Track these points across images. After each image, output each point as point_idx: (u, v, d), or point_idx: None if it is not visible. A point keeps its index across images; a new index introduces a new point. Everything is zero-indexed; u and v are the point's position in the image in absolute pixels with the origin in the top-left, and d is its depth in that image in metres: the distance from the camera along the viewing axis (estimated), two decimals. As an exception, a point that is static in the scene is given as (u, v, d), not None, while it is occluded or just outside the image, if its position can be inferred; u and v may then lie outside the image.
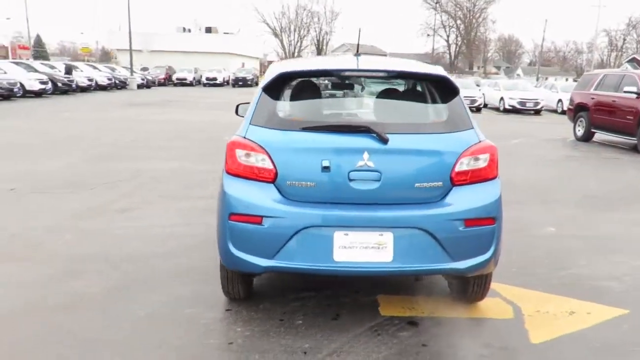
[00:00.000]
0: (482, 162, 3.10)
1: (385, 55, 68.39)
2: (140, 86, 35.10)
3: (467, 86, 25.06)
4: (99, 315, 3.26)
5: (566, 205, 6.52)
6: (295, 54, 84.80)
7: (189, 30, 58.68)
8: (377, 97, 3.40)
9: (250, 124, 3.13)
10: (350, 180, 2.96)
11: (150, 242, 4.54)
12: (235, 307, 3.41)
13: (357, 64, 3.29)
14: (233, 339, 3.03)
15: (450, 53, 76.89)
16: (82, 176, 7.27)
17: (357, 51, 3.64)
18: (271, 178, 3.00)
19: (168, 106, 21.08)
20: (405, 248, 2.96)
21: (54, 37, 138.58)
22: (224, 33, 60.98)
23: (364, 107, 3.44)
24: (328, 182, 2.97)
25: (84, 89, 28.70)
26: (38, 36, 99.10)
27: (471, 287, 3.42)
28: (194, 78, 44.12)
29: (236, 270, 3.13)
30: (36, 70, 26.00)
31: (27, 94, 23.70)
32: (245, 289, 3.41)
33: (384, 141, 2.97)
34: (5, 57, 53.12)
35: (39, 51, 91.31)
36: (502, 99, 24.10)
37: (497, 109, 24.41)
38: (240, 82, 43.96)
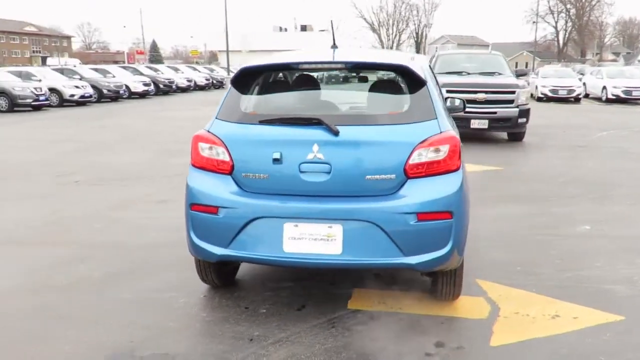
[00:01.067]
0: (441, 153, 2.98)
1: (487, 46, 65.48)
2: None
3: (564, 75, 23.42)
4: (87, 296, 3.57)
5: (620, 202, 5.97)
6: (393, 48, 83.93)
7: (285, 30, 60.28)
8: (339, 89, 3.38)
9: (216, 118, 3.26)
10: (301, 172, 2.99)
11: (168, 232, 4.83)
12: (211, 294, 3.57)
13: (321, 57, 3.30)
14: (192, 323, 3.19)
15: (558, 40, 71.87)
16: (144, 170, 7.88)
17: (334, 43, 3.64)
18: (228, 170, 3.11)
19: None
20: (354, 241, 2.93)
21: (168, 41, 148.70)
22: (320, 30, 61.95)
23: (323, 99, 3.43)
24: (280, 174, 3.02)
25: (183, 89, 30.62)
26: (154, 41, 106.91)
27: (440, 284, 3.30)
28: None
29: (198, 257, 3.28)
30: (141, 74, 28.20)
31: (133, 95, 25.78)
32: (220, 277, 3.55)
33: (335, 133, 2.97)
34: (120, 62, 57.71)
35: (154, 55, 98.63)
36: (604, 87, 22.21)
37: (599, 99, 22.56)
38: (333, 78, 44.43)
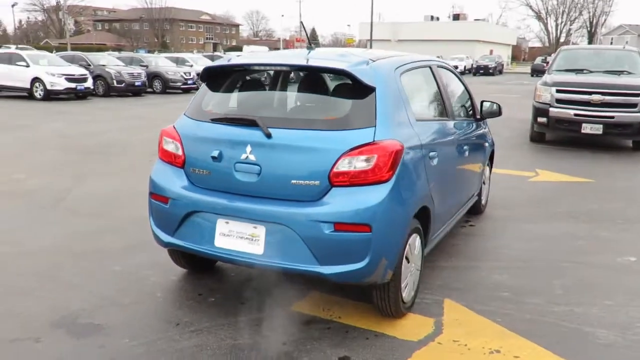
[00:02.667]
0: (368, 164, 2.87)
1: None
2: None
3: None
4: (87, 264, 4.04)
5: None
6: (562, 38, 77.14)
7: (437, 19, 58.61)
8: (290, 91, 3.37)
9: (184, 114, 3.48)
10: (236, 171, 3.09)
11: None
12: (181, 278, 3.83)
13: (271, 59, 3.33)
14: (143, 301, 3.48)
15: None
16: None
17: (309, 43, 3.62)
18: (181, 164, 3.32)
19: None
20: (275, 244, 2.97)
21: (329, 29, 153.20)
22: (475, 20, 59.18)
23: (270, 100, 3.41)
24: (218, 172, 3.16)
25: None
26: (313, 29, 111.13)
27: (374, 298, 3.17)
28: (435, 66, 44.13)
29: (156, 242, 3.54)
30: None
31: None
32: (190, 262, 3.77)
33: (267, 135, 3.01)
34: (276, 49, 61.04)
35: (313, 43, 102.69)
36: None
37: None
38: (482, 71, 42.38)
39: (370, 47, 37.86)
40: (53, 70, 17.91)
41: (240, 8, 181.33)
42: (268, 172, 3.02)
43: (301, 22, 3.65)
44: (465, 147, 4.27)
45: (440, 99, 4.00)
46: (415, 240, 3.30)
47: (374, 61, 3.27)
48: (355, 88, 3.08)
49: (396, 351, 2.93)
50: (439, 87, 3.99)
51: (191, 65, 24.57)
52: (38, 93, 17.77)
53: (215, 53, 33.20)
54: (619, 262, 4.28)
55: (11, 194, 6.05)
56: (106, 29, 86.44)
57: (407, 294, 3.26)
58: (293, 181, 2.96)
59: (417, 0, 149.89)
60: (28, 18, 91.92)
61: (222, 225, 3.11)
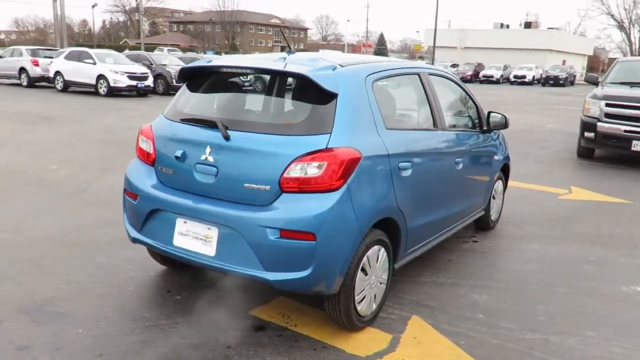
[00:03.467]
0: (318, 170, 2.80)
1: None
2: (439, 82, 36.12)
3: None
4: (77, 255, 4.19)
5: None
6: (646, 50, 72.74)
7: (507, 26, 56.68)
8: (255, 94, 3.35)
9: (162, 113, 3.55)
10: (196, 172, 3.11)
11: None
12: (159, 273, 3.90)
13: (240, 62, 3.33)
14: (112, 293, 3.57)
15: None
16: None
17: (289, 47, 3.59)
18: (152, 162, 3.38)
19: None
20: (226, 246, 2.97)
21: (398, 35, 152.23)
22: (548, 28, 56.75)
23: (237, 103, 3.38)
24: (180, 171, 3.19)
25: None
26: (381, 35, 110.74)
27: (326, 308, 3.09)
28: (502, 75, 42.83)
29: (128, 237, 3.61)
30: None
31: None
32: (162, 259, 3.82)
33: (225, 138, 3.01)
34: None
35: (380, 49, 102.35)
36: None
37: None
38: (551, 81, 40.65)
39: (433, 54, 37.23)
40: (117, 68, 18.84)
41: (311, 12, 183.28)
42: (224, 174, 3.02)
43: (281, 30, 3.60)
44: (461, 159, 4.09)
45: (428, 108, 3.85)
46: (378, 253, 3.19)
47: (343, 67, 3.19)
48: (317, 93, 3.02)
49: (330, 365, 2.85)
50: (427, 96, 3.84)
51: None
52: (102, 89, 18.74)
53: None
54: (623, 291, 3.96)
55: (40, 183, 6.40)
56: (181, 30, 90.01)
57: (364, 307, 3.16)
58: (246, 184, 2.94)
59: (490, 8, 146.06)
60: (111, 19, 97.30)
61: (181, 225, 3.14)
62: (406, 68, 3.83)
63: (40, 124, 11.46)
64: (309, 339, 3.09)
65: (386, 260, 3.31)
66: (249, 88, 3.36)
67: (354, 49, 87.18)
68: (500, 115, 4.71)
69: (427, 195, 3.66)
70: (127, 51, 27.79)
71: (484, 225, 5.20)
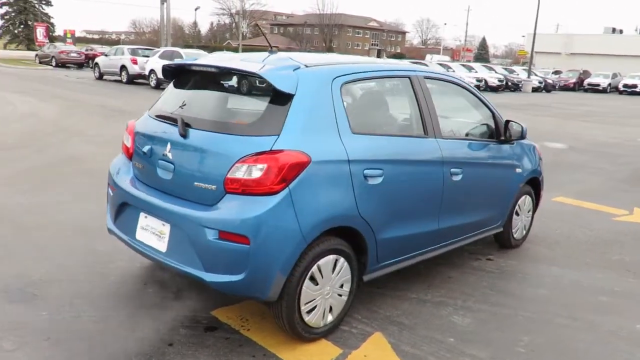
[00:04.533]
0: (259, 172, 2.74)
1: None
2: (536, 89, 34.21)
3: None
4: (79, 241, 4.42)
5: None
6: None
7: (620, 32, 52.14)
8: (218, 92, 3.31)
9: (147, 110, 3.65)
10: (158, 167, 3.17)
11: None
12: (145, 266, 4.00)
13: (211, 60, 3.31)
14: (92, 281, 3.71)
15: None
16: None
17: (270, 46, 3.53)
18: (130, 157, 3.49)
19: (533, 111, 20.24)
20: (175, 243, 2.99)
21: (503, 40, 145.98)
22: (669, 33, 51.51)
23: (204, 101, 3.32)
24: (146, 167, 3.27)
25: (471, 89, 30.19)
26: (483, 39, 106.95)
27: (272, 315, 2.99)
28: (609, 84, 39.63)
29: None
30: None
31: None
32: None
33: (181, 135, 3.04)
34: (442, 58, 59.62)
35: (481, 53, 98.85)
36: None
37: None
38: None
39: (531, 60, 35.23)
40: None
41: (412, 16, 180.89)
42: (179, 171, 3.04)
43: (257, 25, 3.54)
44: (460, 169, 3.80)
45: (418, 114, 3.61)
46: (336, 263, 3.05)
47: (308, 67, 3.09)
48: (273, 94, 2.94)
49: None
50: (417, 101, 3.61)
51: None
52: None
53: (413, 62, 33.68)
54: (637, 329, 3.48)
55: (94, 172, 6.77)
56: (281, 32, 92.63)
57: (315, 318, 3.03)
58: (196, 183, 2.94)
59: (602, 12, 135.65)
60: (218, 21, 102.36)
61: (143, 219, 3.20)
62: (392, 70, 3.64)
63: (119, 117, 12.26)
64: (255, 345, 3.02)
65: (348, 271, 3.16)
66: (216, 87, 3.33)
67: (453, 53, 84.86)
68: (518, 125, 4.34)
69: (406, 206, 3.44)
70: (221, 52, 29.06)
71: (504, 243, 4.82)
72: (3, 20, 59.70)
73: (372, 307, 3.55)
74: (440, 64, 31.32)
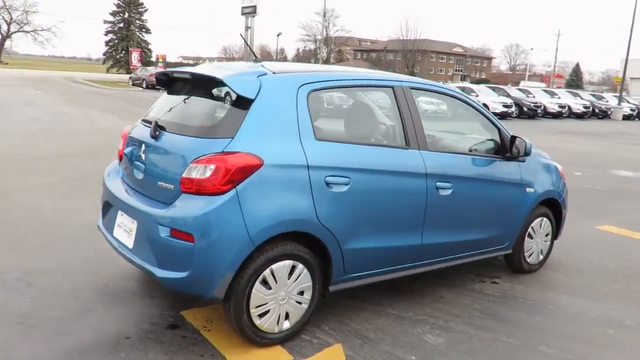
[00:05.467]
0: (208, 173, 2.81)
1: None
2: (627, 117, 31.99)
3: None
4: (89, 238, 4.65)
5: None
6: None
7: None
8: (192, 97, 3.40)
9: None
10: (134, 167, 3.34)
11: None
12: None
13: (189, 69, 3.44)
14: (88, 274, 3.92)
15: None
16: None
17: (255, 56, 3.62)
18: (120, 159, 3.70)
19: (617, 139, 19.01)
20: (139, 240, 3.12)
21: (599, 66, 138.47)
22: None
23: (181, 106, 3.40)
24: (128, 167, 3.46)
25: (554, 115, 28.82)
26: (577, 65, 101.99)
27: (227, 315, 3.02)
28: None
29: None
30: (507, 95, 28.12)
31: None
32: None
33: (152, 137, 3.19)
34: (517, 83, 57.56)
35: (574, 79, 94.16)
36: None
37: None
38: None
39: (621, 86, 33.11)
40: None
41: (500, 41, 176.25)
42: (148, 171, 3.19)
43: (241, 35, 3.62)
44: (450, 184, 3.65)
45: (399, 124, 3.53)
46: (293, 269, 3.03)
47: (275, 74, 3.14)
48: (235, 99, 3.02)
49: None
50: (399, 111, 3.53)
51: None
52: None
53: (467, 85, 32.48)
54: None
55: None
56: (364, 58, 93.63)
57: (267, 323, 3.01)
58: (159, 182, 3.06)
59: None
60: (304, 47, 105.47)
61: (119, 217, 3.36)
62: (372, 80, 3.60)
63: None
64: (208, 345, 3.05)
65: (308, 279, 3.12)
66: (190, 92, 3.45)
67: (543, 79, 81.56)
68: (522, 141, 4.11)
69: (379, 217, 3.36)
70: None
71: (515, 266, 4.54)
72: (107, 47, 65.12)
73: (343, 320, 3.48)
74: (519, 89, 30.28)
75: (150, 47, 65.60)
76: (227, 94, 3.16)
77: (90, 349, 2.93)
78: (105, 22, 65.06)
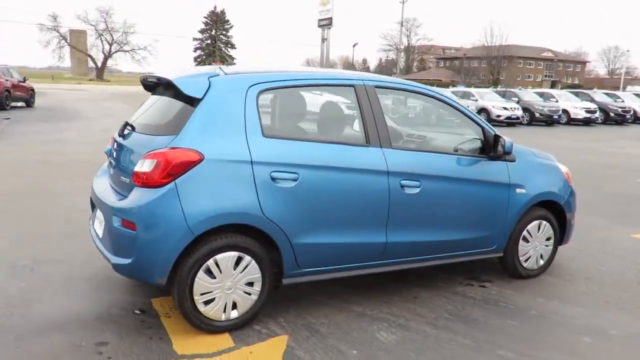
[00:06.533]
0: (151, 167, 3.03)
1: None
2: None
3: None
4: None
5: None
6: None
7: None
8: (159, 98, 3.61)
9: None
10: (110, 165, 3.64)
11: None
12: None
13: (159, 73, 3.67)
14: (84, 264, 4.27)
15: None
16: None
17: (223, 62, 3.80)
18: (108, 159, 4.03)
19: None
20: (104, 230, 3.39)
21: None
22: None
23: (152, 107, 3.59)
24: (109, 164, 3.75)
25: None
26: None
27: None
28: None
29: None
30: (592, 100, 26.46)
31: (572, 121, 24.75)
32: None
33: (120, 136, 3.48)
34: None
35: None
36: None
37: None
38: None
39: None
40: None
41: (596, 44, 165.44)
42: (116, 167, 3.47)
43: (214, 41, 3.73)
44: (418, 182, 3.61)
45: (360, 122, 3.55)
46: (240, 260, 3.16)
47: (227, 75, 3.30)
48: (186, 99, 3.21)
49: (153, 352, 2.96)
50: (360, 110, 3.55)
51: (476, 100, 24.47)
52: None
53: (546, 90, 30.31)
54: None
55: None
56: (446, 66, 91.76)
57: (214, 310, 3.15)
58: (121, 177, 3.33)
59: None
60: (387, 57, 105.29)
61: (97, 212, 3.66)
62: (330, 79, 3.65)
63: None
64: (161, 329, 3.24)
65: (256, 271, 3.23)
66: (158, 94, 3.68)
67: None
68: (503, 139, 3.96)
69: (334, 214, 3.39)
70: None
71: (510, 271, 4.36)
72: (196, 63, 68.89)
73: (303, 314, 3.54)
74: (606, 94, 28.32)
75: (235, 61, 68.49)
76: (182, 94, 3.36)
77: (54, 326, 3.22)
78: (194, 39, 68.93)
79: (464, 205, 3.93)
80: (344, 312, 3.60)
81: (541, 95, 26.96)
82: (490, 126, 4.09)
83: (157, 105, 3.58)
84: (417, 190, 3.63)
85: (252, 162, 3.13)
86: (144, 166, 3.05)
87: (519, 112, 23.43)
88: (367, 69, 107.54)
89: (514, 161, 4.13)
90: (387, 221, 3.59)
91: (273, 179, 3.18)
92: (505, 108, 23.21)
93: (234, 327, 3.25)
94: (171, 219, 2.98)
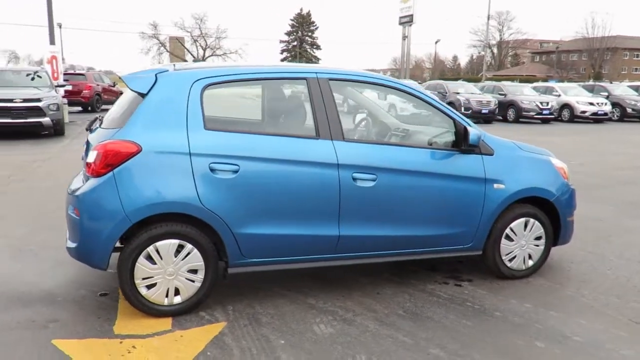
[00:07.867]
0: (95, 158, 3.24)
1: None
2: None
3: None
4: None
5: None
6: None
7: None
8: (124, 95, 3.80)
9: None
10: (83, 159, 3.93)
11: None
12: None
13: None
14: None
15: None
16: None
17: (194, 59, 3.95)
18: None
19: None
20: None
21: None
22: None
23: (116, 105, 3.78)
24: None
25: None
26: None
27: None
28: None
29: None
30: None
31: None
32: None
33: (87, 130, 3.76)
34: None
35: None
36: None
37: None
38: None
39: None
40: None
41: None
42: (83, 159, 3.73)
43: (178, 39, 3.81)
44: (373, 176, 3.55)
45: (311, 115, 3.55)
46: (181, 248, 3.29)
47: (176, 71, 3.45)
48: (136, 94, 3.41)
49: (93, 330, 3.18)
50: (312, 103, 3.55)
51: (559, 95, 23.01)
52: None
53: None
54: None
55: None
56: (542, 60, 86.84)
57: (155, 295, 3.30)
58: (84, 169, 3.58)
59: None
60: (479, 53, 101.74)
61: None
62: (280, 73, 3.67)
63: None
64: (112, 311, 3.45)
65: (199, 259, 3.35)
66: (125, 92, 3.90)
67: None
68: (471, 132, 3.76)
69: (278, 205, 3.42)
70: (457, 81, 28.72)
71: (492, 270, 4.15)
72: (283, 64, 70.71)
73: (253, 303, 3.61)
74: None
75: (320, 62, 69.47)
76: (131, 90, 3.55)
77: (22, 303, 3.55)
78: (281, 41, 70.81)
79: (430, 200, 3.80)
80: (294, 304, 3.63)
81: (636, 89, 24.78)
82: (463, 118, 3.91)
83: (119, 102, 3.81)
84: (372, 183, 3.57)
85: (190, 154, 3.26)
86: (90, 157, 3.28)
87: (607, 108, 21.73)
88: (457, 66, 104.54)
89: (491, 155, 3.93)
90: (339, 214, 3.56)
91: (212, 170, 3.28)
92: (591, 103, 21.63)
93: (179, 312, 3.39)
94: (109, 206, 3.18)
